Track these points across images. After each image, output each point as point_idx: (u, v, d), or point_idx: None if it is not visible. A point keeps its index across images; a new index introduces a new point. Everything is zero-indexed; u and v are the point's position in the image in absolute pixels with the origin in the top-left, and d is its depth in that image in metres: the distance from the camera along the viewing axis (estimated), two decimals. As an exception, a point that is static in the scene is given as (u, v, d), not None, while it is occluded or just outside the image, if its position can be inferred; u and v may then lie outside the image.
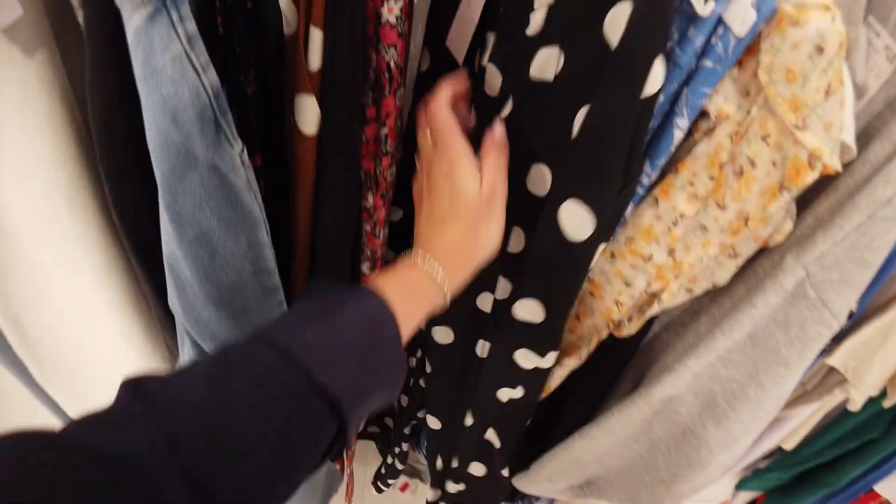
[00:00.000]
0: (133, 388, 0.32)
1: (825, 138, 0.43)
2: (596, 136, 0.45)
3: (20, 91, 0.47)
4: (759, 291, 0.53)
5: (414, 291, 0.46)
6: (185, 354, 0.61)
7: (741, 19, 0.41)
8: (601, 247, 0.52)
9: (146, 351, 0.72)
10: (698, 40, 0.46)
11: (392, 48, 0.49)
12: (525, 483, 0.87)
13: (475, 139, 0.50)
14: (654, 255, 0.54)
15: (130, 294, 0.66)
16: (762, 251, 0.54)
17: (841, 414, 0.87)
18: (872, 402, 0.77)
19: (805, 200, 0.52)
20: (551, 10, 0.46)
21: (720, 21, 0.43)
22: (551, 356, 0.61)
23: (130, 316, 0.67)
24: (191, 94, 0.41)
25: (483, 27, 0.53)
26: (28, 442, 0.27)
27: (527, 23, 0.47)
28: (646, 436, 0.70)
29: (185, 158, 0.43)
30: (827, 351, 0.64)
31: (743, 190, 0.47)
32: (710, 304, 0.61)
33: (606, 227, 0.52)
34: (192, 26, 0.40)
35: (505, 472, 0.87)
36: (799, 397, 0.86)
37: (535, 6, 0.47)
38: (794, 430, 0.92)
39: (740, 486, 1.05)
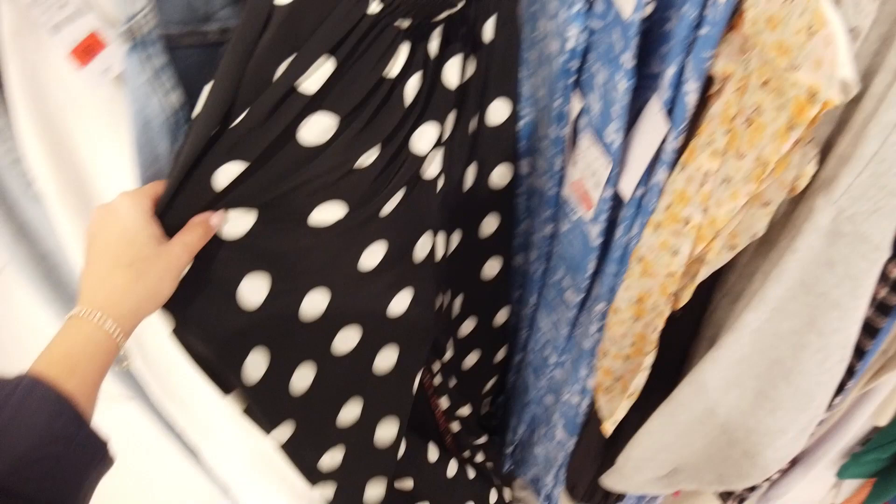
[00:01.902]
0: None
1: (819, 75, 0.46)
2: None
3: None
4: (799, 236, 0.55)
5: (85, 354, 0.47)
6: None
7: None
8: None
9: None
10: (692, 13, 0.51)
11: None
12: (614, 480, 0.88)
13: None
14: (692, 217, 0.57)
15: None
16: (798, 200, 0.56)
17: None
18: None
19: (828, 146, 0.55)
20: None
21: None
22: None
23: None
24: (157, 109, 0.55)
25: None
26: None
27: None
28: (721, 406, 0.71)
29: (152, 154, 0.58)
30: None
31: (755, 137, 0.51)
32: (762, 261, 0.63)
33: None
34: (160, 59, 0.55)
35: None
36: (883, 366, 0.85)
37: None
38: (883, 402, 0.90)
39: (841, 473, 1.02)
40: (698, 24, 0.52)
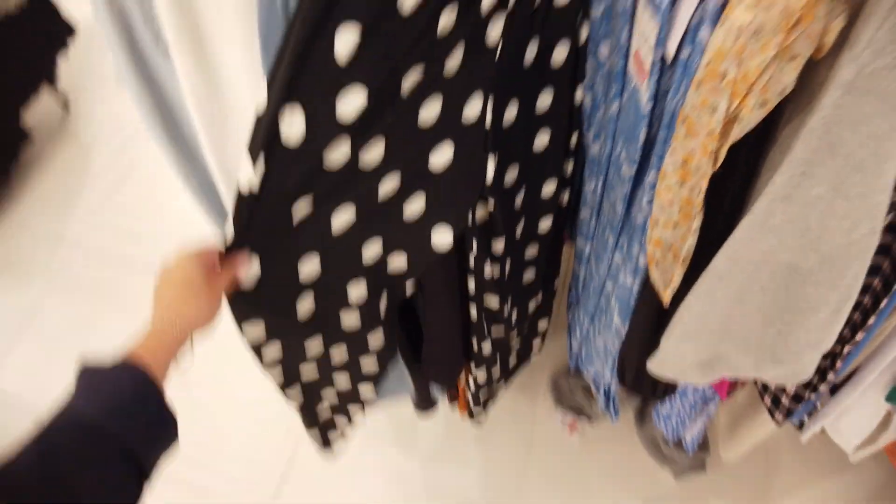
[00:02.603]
0: None
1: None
2: None
3: None
4: (824, 95, 0.59)
5: (161, 350, 0.66)
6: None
7: None
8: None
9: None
10: None
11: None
12: (657, 362, 0.94)
13: None
14: (728, 71, 0.63)
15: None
16: (825, 59, 0.60)
17: None
18: None
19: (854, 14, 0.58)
20: None
21: None
22: None
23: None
24: None
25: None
26: None
27: None
28: (755, 281, 0.76)
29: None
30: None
31: (783, -13, 0.55)
32: (798, 128, 0.66)
33: None
34: None
35: None
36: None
37: None
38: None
39: (890, 397, 1.00)
40: None
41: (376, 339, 1.08)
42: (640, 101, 0.76)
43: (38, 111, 2.60)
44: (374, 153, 0.75)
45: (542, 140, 0.95)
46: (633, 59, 0.78)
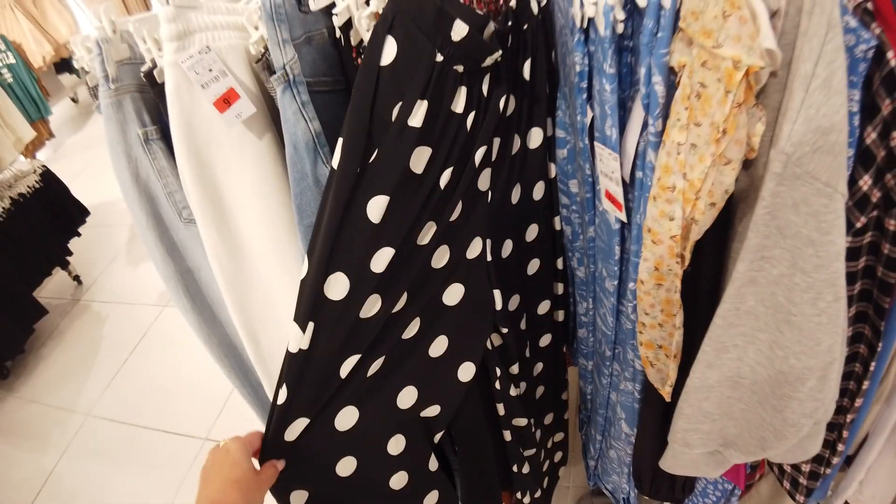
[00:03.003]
0: None
1: (738, 47, 0.61)
2: None
3: (256, 162, 0.81)
4: (763, 187, 0.68)
5: None
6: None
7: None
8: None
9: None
10: (650, 24, 0.68)
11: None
12: (669, 460, 0.95)
13: None
14: (676, 184, 0.71)
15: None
16: (759, 158, 0.69)
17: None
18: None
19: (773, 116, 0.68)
20: None
21: (659, 3, 0.66)
22: None
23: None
24: (303, 133, 0.72)
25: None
26: None
27: None
28: (743, 364, 0.80)
29: (300, 171, 0.76)
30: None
31: (706, 107, 0.65)
32: (747, 224, 0.74)
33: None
34: (305, 96, 0.76)
35: None
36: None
37: None
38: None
39: None
40: (655, 31, 0.68)
41: (432, 498, 1.08)
42: (609, 222, 0.85)
43: (52, 286, 2.85)
44: (400, 303, 0.83)
45: (533, 267, 1.03)
46: (604, 198, 0.87)
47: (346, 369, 0.82)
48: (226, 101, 0.79)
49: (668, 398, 0.88)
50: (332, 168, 0.73)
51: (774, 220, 0.69)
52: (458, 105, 0.77)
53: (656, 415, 0.94)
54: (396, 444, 0.95)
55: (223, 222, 0.85)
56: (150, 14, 0.87)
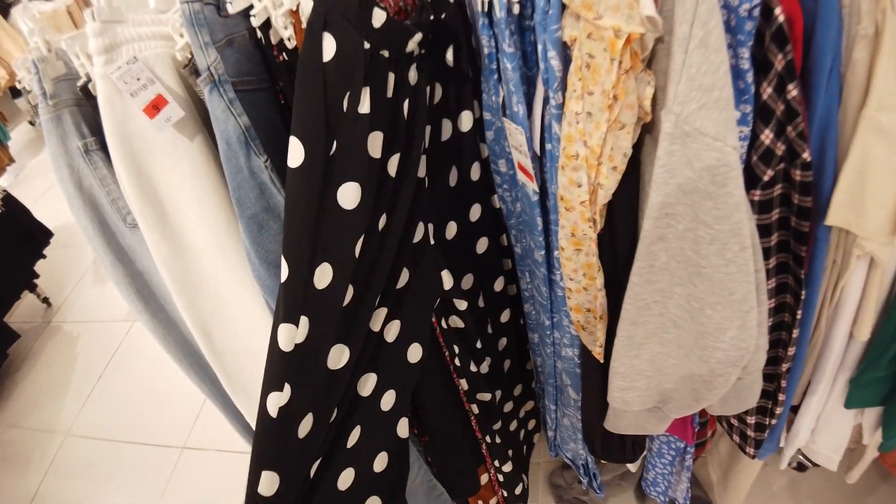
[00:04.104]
0: None
1: (618, 17, 0.65)
2: None
3: (190, 162, 0.84)
4: (658, 147, 0.72)
5: None
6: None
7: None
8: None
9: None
10: (541, 2, 0.72)
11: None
12: (612, 420, 0.99)
13: None
14: (579, 151, 0.75)
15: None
16: (654, 121, 0.73)
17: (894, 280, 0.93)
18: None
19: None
20: None
21: None
22: None
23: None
24: (233, 128, 0.76)
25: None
26: None
27: None
28: (666, 318, 0.84)
29: (235, 165, 0.79)
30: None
31: (595, 76, 0.69)
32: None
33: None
34: (232, 94, 0.79)
35: None
36: (838, 277, 0.95)
37: None
38: (858, 316, 0.98)
39: (847, 403, 1.06)
40: (547, 10, 0.72)
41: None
42: (528, 194, 0.89)
43: (22, 310, 2.88)
44: (368, 291, 0.86)
45: (482, 246, 1.08)
46: (519, 171, 0.91)
47: (333, 362, 0.83)
48: (155, 107, 0.82)
49: (601, 359, 0.92)
50: (291, 167, 0.74)
51: (673, 178, 0.73)
52: (390, 90, 0.80)
53: (597, 377, 0.98)
54: (353, 437, 0.97)
55: (165, 224, 0.89)
56: (82, 31, 0.91)
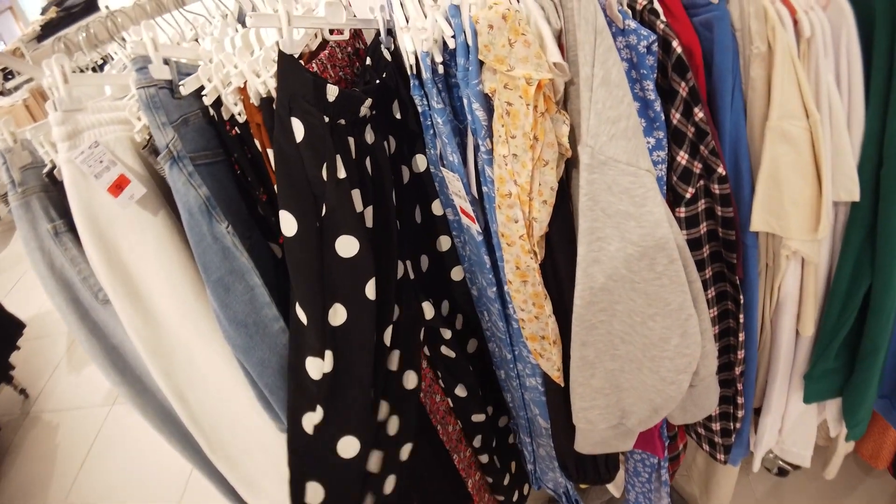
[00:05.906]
0: None
1: (528, 66, 0.73)
2: None
3: (155, 235, 0.90)
4: (580, 177, 0.79)
5: None
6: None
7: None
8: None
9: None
10: (461, 61, 0.80)
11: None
12: (580, 441, 1.03)
13: None
14: (511, 190, 0.82)
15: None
16: (575, 156, 0.81)
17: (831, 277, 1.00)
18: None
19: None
20: None
21: (465, 43, 0.78)
22: None
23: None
24: (195, 199, 0.84)
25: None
26: None
27: None
28: (614, 335, 0.89)
29: (199, 233, 0.85)
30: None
31: (515, 120, 0.77)
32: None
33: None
34: (191, 167, 0.87)
35: None
36: (773, 279, 1.01)
37: None
38: (801, 313, 1.05)
39: (806, 398, 1.12)
40: (467, 67, 0.80)
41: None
42: (473, 235, 0.95)
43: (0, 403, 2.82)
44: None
45: (457, 274, 1.13)
46: (462, 215, 0.98)
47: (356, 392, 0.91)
48: (118, 187, 0.88)
49: (560, 382, 0.97)
50: (288, 236, 0.83)
51: (597, 204, 0.80)
52: (353, 152, 0.88)
53: (560, 401, 1.02)
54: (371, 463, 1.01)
55: (135, 296, 0.93)
56: (45, 121, 0.97)
